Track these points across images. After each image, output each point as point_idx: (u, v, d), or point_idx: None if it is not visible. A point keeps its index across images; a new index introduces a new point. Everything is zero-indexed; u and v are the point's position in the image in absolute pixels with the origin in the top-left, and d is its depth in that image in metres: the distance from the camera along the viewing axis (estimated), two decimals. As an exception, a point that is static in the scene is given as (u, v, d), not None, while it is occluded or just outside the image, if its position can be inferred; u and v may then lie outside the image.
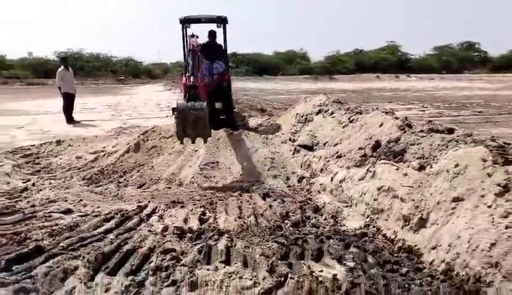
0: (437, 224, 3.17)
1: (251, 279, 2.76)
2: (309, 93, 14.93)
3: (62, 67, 11.08)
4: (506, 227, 2.72)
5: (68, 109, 10.82)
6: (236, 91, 18.18)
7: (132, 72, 41.76)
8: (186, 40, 8.23)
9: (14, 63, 39.88)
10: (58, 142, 7.10)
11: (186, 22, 8.21)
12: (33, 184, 4.93)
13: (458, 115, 10.93)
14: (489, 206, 2.93)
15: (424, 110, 12.14)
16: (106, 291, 2.63)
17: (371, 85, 29.43)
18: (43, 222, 3.72)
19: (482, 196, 3.03)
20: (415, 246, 3.18)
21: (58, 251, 3.12)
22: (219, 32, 8.39)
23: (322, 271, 2.94)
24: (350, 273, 2.91)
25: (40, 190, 4.72)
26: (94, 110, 13.62)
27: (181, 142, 5.17)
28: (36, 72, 37.55)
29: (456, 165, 3.40)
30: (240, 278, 2.78)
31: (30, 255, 3.06)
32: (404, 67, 47.66)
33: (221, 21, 8.22)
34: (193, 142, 5.12)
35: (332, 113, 5.98)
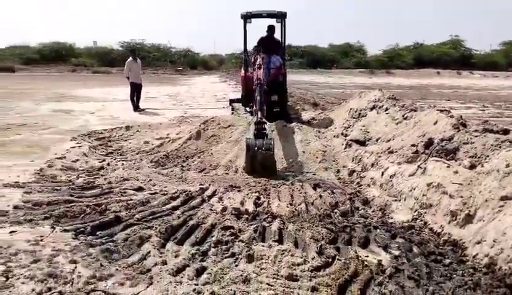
0: (484, 221, 3.28)
1: (301, 258, 3.06)
2: (363, 87, 14.84)
3: (130, 58, 11.91)
4: (554, 227, 2.81)
5: (135, 98, 11.65)
6: (289, 84, 18.44)
7: (190, 63, 43.18)
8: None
9: (81, 52, 42.66)
10: (127, 128, 7.79)
11: (247, 17, 8.59)
12: (108, 164, 5.54)
13: (521, 117, 10.43)
14: (538, 206, 3.01)
15: (484, 110, 11.68)
16: (176, 256, 3.05)
17: (430, 81, 28.34)
18: (119, 197, 4.25)
19: (532, 196, 3.10)
20: (460, 240, 3.32)
21: (134, 222, 3.60)
22: (277, 27, 8.69)
23: (368, 256, 3.17)
24: (395, 260, 3.12)
25: (115, 169, 5.31)
26: (156, 100, 14.48)
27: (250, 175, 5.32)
28: (101, 60, 40.00)
29: (507, 165, 3.47)
30: (292, 255, 3.09)
31: (110, 224, 3.56)
32: (467, 63, 45.07)
33: (281, 16, 8.51)
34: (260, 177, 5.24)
35: (387, 109, 6.08)
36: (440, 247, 3.35)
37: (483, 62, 45.96)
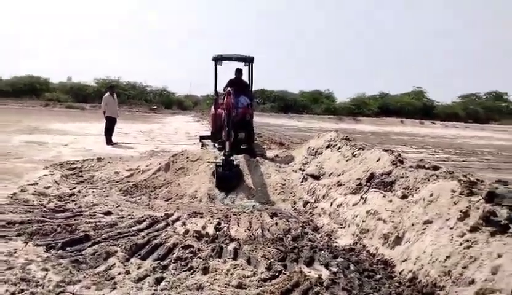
0: (410, 242, 3.82)
1: (251, 271, 3.48)
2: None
3: (108, 93, 12.42)
4: (460, 244, 3.37)
5: (109, 131, 12.02)
6: (260, 125, 19.24)
7: (165, 102, 43.77)
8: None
9: (56, 87, 42.59)
10: (99, 159, 8.10)
11: (218, 59, 9.33)
12: (79, 191, 5.84)
13: (464, 161, 11.44)
14: (451, 228, 3.59)
15: (433, 155, 12.67)
16: (138, 268, 3.40)
17: (393, 128, 29.95)
18: (88, 219, 4.57)
19: (447, 219, 3.69)
20: (390, 259, 3.83)
21: (101, 240, 3.94)
22: (246, 70, 9.45)
23: (310, 272, 3.62)
24: (333, 275, 3.57)
25: (85, 196, 5.61)
26: (129, 135, 14.80)
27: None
28: (75, 96, 40.04)
29: (431, 194, 4.08)
30: (243, 269, 3.50)
31: (80, 241, 3.88)
32: (429, 113, 47.75)
33: (249, 60, 9.29)
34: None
35: (339, 148, 6.72)
36: (374, 265, 3.83)
37: (443, 113, 48.83)
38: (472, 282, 3.04)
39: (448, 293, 3.13)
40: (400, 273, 3.61)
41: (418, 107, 48.51)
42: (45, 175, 6.65)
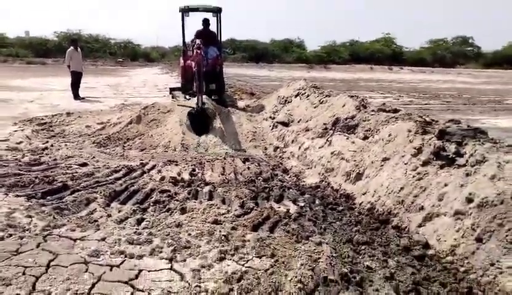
0: (369, 177, 4.20)
1: (226, 210, 3.77)
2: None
3: (71, 47, 12.02)
4: (413, 176, 3.76)
5: (75, 85, 11.78)
6: (231, 76, 19.16)
7: (130, 54, 42.37)
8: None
9: (13, 42, 40.29)
10: (68, 114, 8.05)
11: (185, 11, 9.19)
12: (51, 145, 5.88)
13: (426, 104, 12.00)
14: (405, 163, 3.96)
15: (398, 99, 13.18)
16: (119, 211, 3.62)
17: (362, 75, 30.40)
18: (65, 170, 4.69)
19: (402, 156, 4.05)
20: (352, 193, 4.21)
21: (80, 188, 4.10)
22: (214, 20, 9.35)
23: (279, 207, 3.95)
24: (300, 209, 3.91)
25: (58, 149, 5.68)
26: (96, 89, 14.50)
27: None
28: (35, 51, 38.10)
29: (390, 135, 4.42)
30: (218, 208, 3.79)
31: (59, 190, 4.03)
32: (398, 59, 48.49)
33: (216, 11, 9.19)
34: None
35: (308, 96, 6.97)
36: (337, 199, 4.21)
37: (412, 59, 49.64)
38: (422, 208, 3.45)
39: (401, 219, 3.53)
40: (360, 205, 4.00)
41: (387, 54, 49.12)
42: (15, 131, 6.62)
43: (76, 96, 11.68)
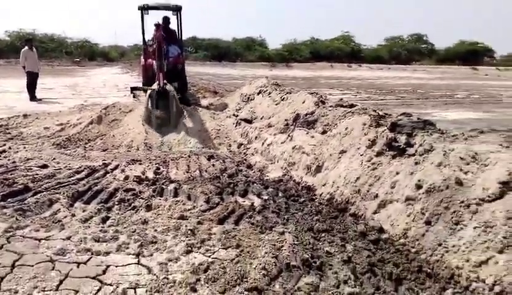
0: (328, 169, 4.41)
1: (191, 206, 3.85)
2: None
3: (26, 47, 11.61)
4: (368, 167, 3.99)
5: (31, 86, 11.38)
6: (193, 75, 19.08)
7: (88, 54, 41.06)
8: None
9: (-39, 42, 38.09)
10: (25, 116, 7.81)
11: (144, 9, 9.13)
12: (9, 148, 5.72)
13: (383, 100, 12.57)
14: (361, 155, 4.19)
15: (356, 95, 13.69)
16: (83, 211, 3.62)
17: (322, 73, 31.12)
18: (25, 172, 4.59)
19: (358, 148, 4.29)
20: (312, 185, 4.40)
21: (42, 190, 4.05)
22: (174, 18, 9.35)
23: (244, 201, 4.07)
24: (264, 202, 4.06)
25: (17, 151, 5.53)
26: (53, 90, 14.05)
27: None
28: (-15, 51, 36.17)
29: (346, 128, 4.65)
30: (184, 204, 3.86)
31: (20, 192, 3.97)
32: (357, 57, 49.82)
33: (176, 9, 9.18)
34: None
35: (270, 93, 7.15)
36: (299, 191, 4.39)
37: (370, 57, 51.17)
38: (376, 196, 3.68)
39: (358, 207, 3.75)
40: (320, 196, 4.20)
41: (346, 52, 50.30)
42: (-31, 135, 6.36)
43: (33, 98, 11.29)
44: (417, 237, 3.07)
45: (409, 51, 55.18)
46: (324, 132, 4.93)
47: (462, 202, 2.97)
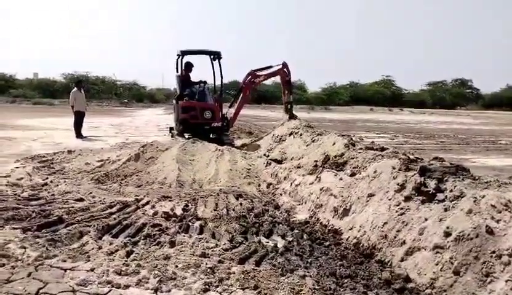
0: (355, 213, 4.31)
1: (214, 244, 3.87)
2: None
3: (75, 88, 12.56)
4: (396, 212, 3.87)
5: (78, 125, 12.16)
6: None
7: (136, 96, 43.38)
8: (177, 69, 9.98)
9: (22, 83, 41.56)
10: (70, 152, 8.29)
11: (185, 54, 9.78)
12: (51, 181, 6.06)
13: (420, 144, 12.22)
14: (389, 199, 4.09)
15: (393, 139, 13.42)
16: (110, 244, 3.73)
17: (362, 116, 30.88)
18: (62, 205, 4.83)
19: (387, 192, 4.19)
20: (339, 228, 4.31)
21: (75, 222, 4.23)
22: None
23: (268, 242, 4.05)
24: (288, 243, 4.01)
25: (57, 185, 5.85)
26: (99, 129, 14.89)
27: None
28: (42, 92, 39.19)
29: (375, 171, 4.57)
30: (207, 242, 3.89)
31: (54, 224, 4.16)
32: (398, 101, 49.30)
33: (215, 54, 9.71)
34: None
35: (301, 134, 7.20)
36: (325, 234, 4.30)
37: (412, 101, 50.49)
38: (404, 243, 3.55)
39: (384, 253, 3.62)
40: (346, 240, 4.09)
41: (387, 95, 50.01)
42: (17, 167, 6.82)
43: (79, 135, 12.04)
44: (445, 288, 2.91)
45: (453, 95, 53.98)
46: (352, 174, 4.86)
47: (493, 252, 2.81)
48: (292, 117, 9.41)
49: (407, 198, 3.90)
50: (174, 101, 10.85)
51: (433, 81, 57.89)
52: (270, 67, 10.04)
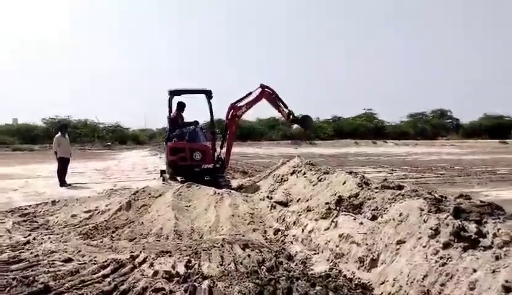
0: (385, 263, 3.83)
1: (229, 309, 3.31)
2: (289, 157, 15.91)
3: (59, 133, 11.95)
4: (435, 262, 3.42)
5: (62, 172, 11.47)
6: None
7: (119, 138, 42.69)
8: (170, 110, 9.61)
9: (1, 129, 40.48)
10: (53, 202, 7.63)
11: (174, 93, 9.42)
12: (34, 239, 5.41)
13: (421, 177, 11.95)
14: (424, 246, 3.64)
15: (392, 173, 13.15)
16: (108, 318, 3.14)
17: (349, 150, 30.84)
18: (47, 268, 4.21)
19: (419, 238, 3.74)
20: (368, 282, 3.81)
21: (63, 290, 3.63)
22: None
23: (289, 303, 3.51)
24: (312, 304, 3.48)
25: (41, 243, 5.21)
26: (84, 175, 14.19)
27: None
28: (22, 137, 38.17)
29: (400, 214, 4.14)
30: (220, 308, 3.33)
31: (39, 294, 3.55)
32: (381, 133, 49.93)
33: (206, 93, 9.39)
34: None
35: (304, 173, 6.77)
36: (352, 290, 3.79)
37: (394, 133, 51.16)
38: (452, 299, 3.07)
39: (429, 312, 3.13)
40: (379, 296, 3.58)
41: (370, 128, 50.61)
42: (-5, 224, 6.14)
43: (63, 183, 11.34)
44: None
45: (434, 126, 55.01)
46: (373, 218, 4.42)
47: None
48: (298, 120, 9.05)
49: (446, 245, 3.46)
50: (164, 143, 10.43)
51: (413, 112, 59.05)
52: (250, 94, 9.45)
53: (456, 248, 3.38)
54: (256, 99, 9.50)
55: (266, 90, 9.43)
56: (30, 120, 42.70)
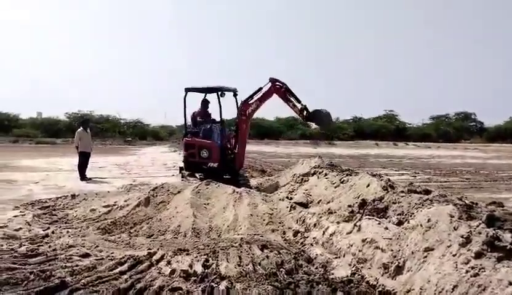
0: (412, 271, 3.64)
1: (247, 313, 3.20)
2: (307, 156, 15.70)
3: (81, 128, 12.08)
4: (466, 272, 3.21)
5: (83, 166, 11.59)
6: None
7: (139, 134, 43.20)
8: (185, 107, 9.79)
9: (26, 122, 41.50)
10: (73, 196, 7.68)
11: (190, 91, 9.55)
12: (52, 232, 5.43)
13: (446, 181, 11.59)
14: (454, 255, 3.44)
15: (415, 176, 12.80)
16: (124, 318, 3.07)
17: (369, 151, 30.35)
18: (65, 263, 4.19)
19: (449, 246, 3.54)
20: (393, 290, 3.63)
21: (80, 286, 3.58)
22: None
23: (309, 309, 3.37)
24: (334, 311, 3.34)
25: (60, 237, 5.21)
26: (104, 169, 14.32)
27: None
28: (45, 131, 39.02)
29: (429, 220, 3.94)
30: (238, 311, 3.22)
31: (56, 289, 3.51)
32: (402, 135, 48.96)
33: (219, 91, 9.40)
34: None
35: (326, 174, 6.59)
36: (376, 298, 3.63)
37: (416, 135, 50.13)
38: (485, 313, 2.88)
39: (459, 325, 2.95)
40: (405, 306, 3.41)
41: (391, 130, 49.70)
42: (15, 216, 6.21)
43: (83, 177, 11.46)
44: None
45: (457, 129, 53.64)
46: (399, 223, 4.23)
47: None
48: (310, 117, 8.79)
49: (478, 255, 3.25)
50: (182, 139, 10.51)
51: (436, 115, 57.73)
52: (260, 89, 8.98)
53: (490, 258, 3.17)
54: (267, 95, 9.02)
55: (277, 83, 8.90)
56: (54, 114, 43.67)
